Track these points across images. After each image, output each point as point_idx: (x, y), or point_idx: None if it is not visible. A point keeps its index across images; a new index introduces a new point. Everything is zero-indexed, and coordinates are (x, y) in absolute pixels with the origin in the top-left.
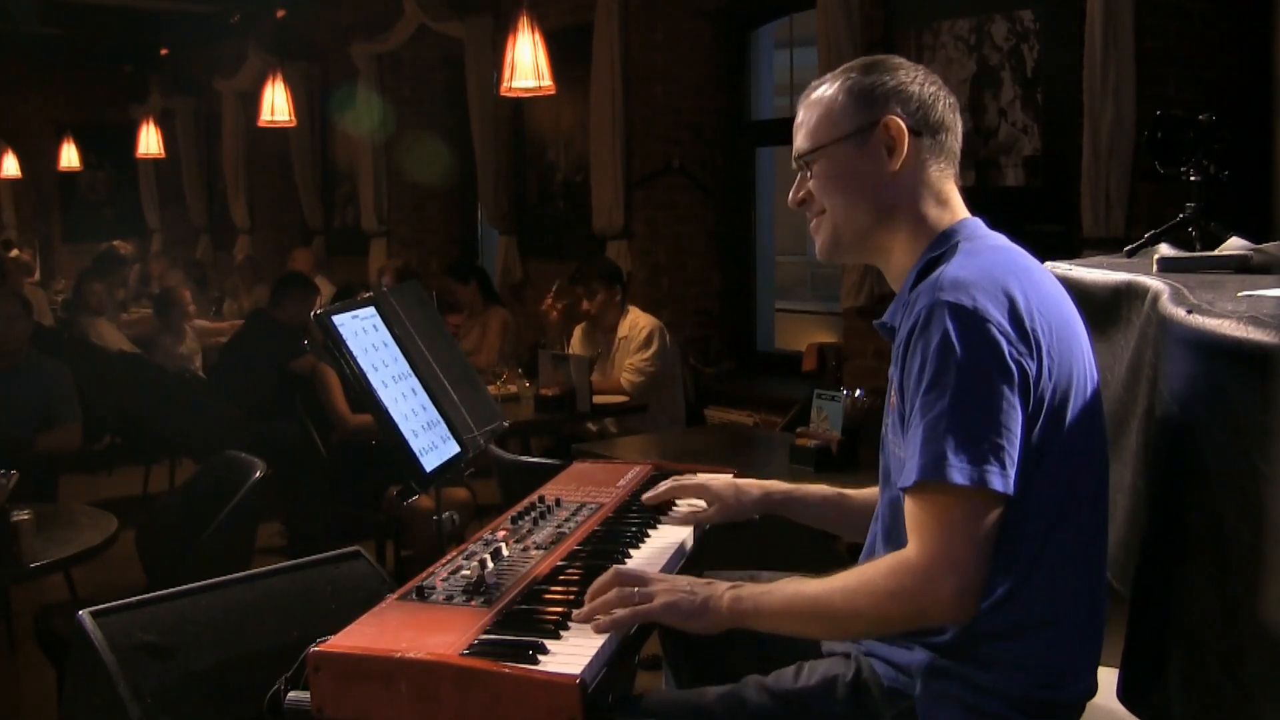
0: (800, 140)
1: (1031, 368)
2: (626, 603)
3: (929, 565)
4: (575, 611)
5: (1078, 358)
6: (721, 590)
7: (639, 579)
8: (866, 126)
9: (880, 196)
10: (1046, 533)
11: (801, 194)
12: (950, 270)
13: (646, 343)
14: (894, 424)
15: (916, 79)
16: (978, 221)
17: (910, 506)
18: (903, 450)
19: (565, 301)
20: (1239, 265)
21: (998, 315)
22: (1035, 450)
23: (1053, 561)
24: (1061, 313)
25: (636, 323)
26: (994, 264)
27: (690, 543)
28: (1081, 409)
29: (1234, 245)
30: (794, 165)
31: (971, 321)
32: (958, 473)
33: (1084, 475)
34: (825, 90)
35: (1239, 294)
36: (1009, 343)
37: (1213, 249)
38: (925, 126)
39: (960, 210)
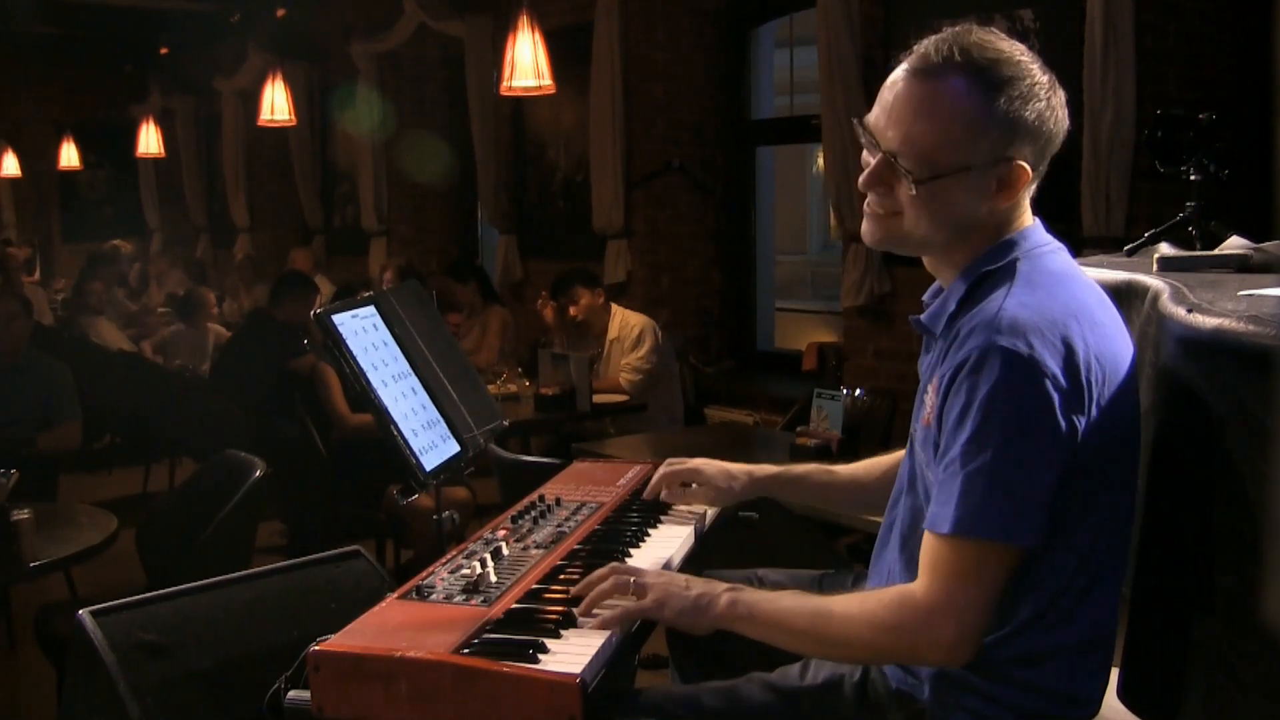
0: (908, 142)
1: (1080, 424)
2: (621, 591)
3: (935, 609)
4: (579, 607)
5: (1124, 396)
6: (718, 590)
7: (635, 570)
8: (993, 162)
9: (969, 222)
10: (1073, 570)
11: (883, 188)
12: (1010, 307)
13: (639, 340)
14: (925, 441)
15: (1053, 106)
16: (1038, 228)
17: (934, 547)
18: (932, 472)
19: (556, 301)
20: (1239, 264)
21: (1053, 367)
22: (1072, 496)
23: (1071, 596)
24: (1115, 351)
25: (626, 321)
26: (1053, 301)
27: (691, 542)
28: (1122, 452)
29: (1234, 244)
30: (870, 145)
31: (1026, 373)
32: (992, 530)
33: (1115, 512)
34: (958, 93)
35: (1239, 293)
36: (1061, 398)
37: (1213, 248)
38: (1041, 162)
39: (1026, 216)
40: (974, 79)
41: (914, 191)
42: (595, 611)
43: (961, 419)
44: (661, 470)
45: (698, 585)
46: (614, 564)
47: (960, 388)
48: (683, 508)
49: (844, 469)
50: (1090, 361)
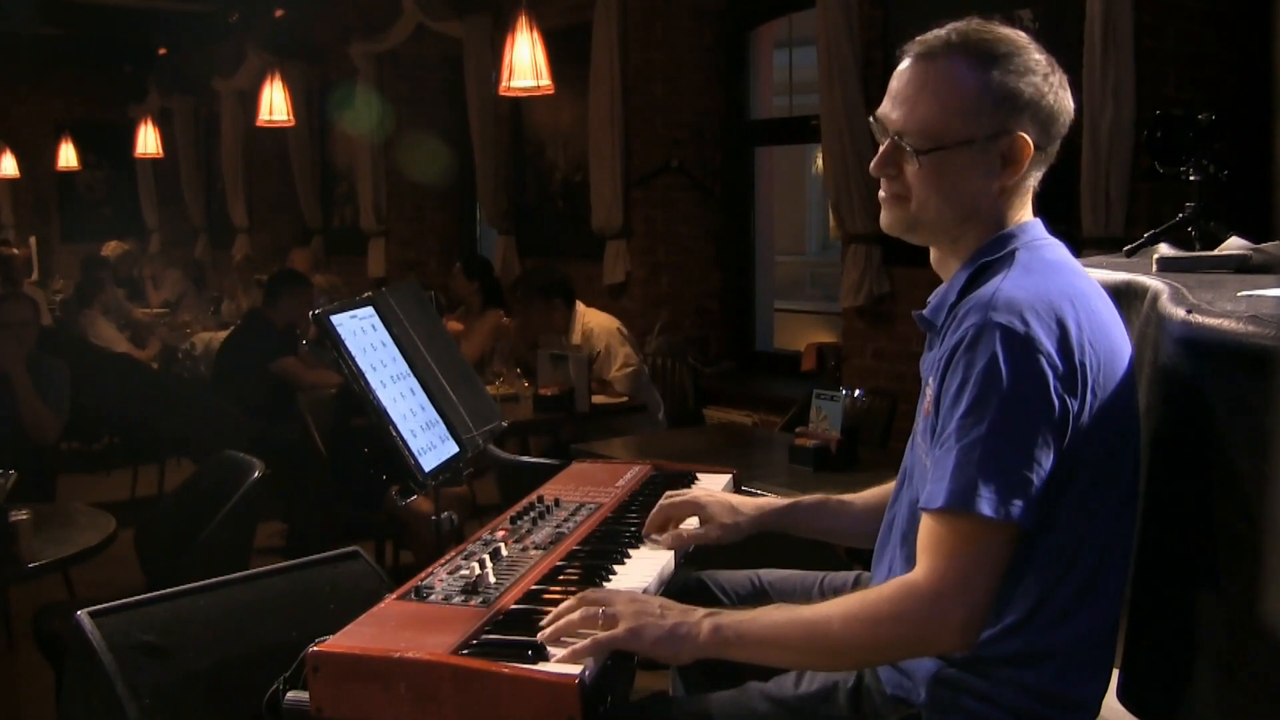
0: (912, 119)
1: (1074, 405)
2: (590, 624)
3: (940, 592)
4: (541, 633)
5: (1121, 389)
6: (697, 617)
7: (605, 599)
8: (995, 135)
9: (978, 202)
10: (1067, 564)
11: (893, 170)
12: (1006, 288)
13: (609, 351)
14: (925, 430)
15: (1051, 83)
16: (1038, 224)
17: (930, 527)
18: (930, 458)
19: (518, 318)
20: (1238, 265)
21: (1048, 345)
22: (1063, 483)
23: (1066, 593)
24: (1110, 341)
25: (593, 329)
26: (1050, 285)
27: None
28: (1116, 444)
29: (1233, 245)
30: (880, 134)
31: (1021, 349)
32: (986, 504)
33: (1109, 508)
34: (957, 70)
35: (1238, 294)
36: (1055, 377)
37: (1212, 249)
38: (1046, 141)
39: (1027, 209)
40: (971, 57)
41: (919, 166)
42: (566, 640)
43: (958, 395)
44: (659, 506)
45: (673, 613)
46: (583, 592)
47: (957, 365)
48: (681, 531)
49: (858, 499)
50: (1085, 345)
